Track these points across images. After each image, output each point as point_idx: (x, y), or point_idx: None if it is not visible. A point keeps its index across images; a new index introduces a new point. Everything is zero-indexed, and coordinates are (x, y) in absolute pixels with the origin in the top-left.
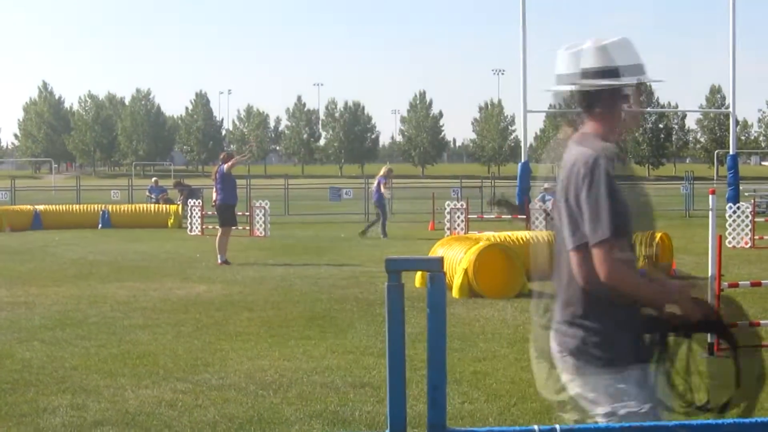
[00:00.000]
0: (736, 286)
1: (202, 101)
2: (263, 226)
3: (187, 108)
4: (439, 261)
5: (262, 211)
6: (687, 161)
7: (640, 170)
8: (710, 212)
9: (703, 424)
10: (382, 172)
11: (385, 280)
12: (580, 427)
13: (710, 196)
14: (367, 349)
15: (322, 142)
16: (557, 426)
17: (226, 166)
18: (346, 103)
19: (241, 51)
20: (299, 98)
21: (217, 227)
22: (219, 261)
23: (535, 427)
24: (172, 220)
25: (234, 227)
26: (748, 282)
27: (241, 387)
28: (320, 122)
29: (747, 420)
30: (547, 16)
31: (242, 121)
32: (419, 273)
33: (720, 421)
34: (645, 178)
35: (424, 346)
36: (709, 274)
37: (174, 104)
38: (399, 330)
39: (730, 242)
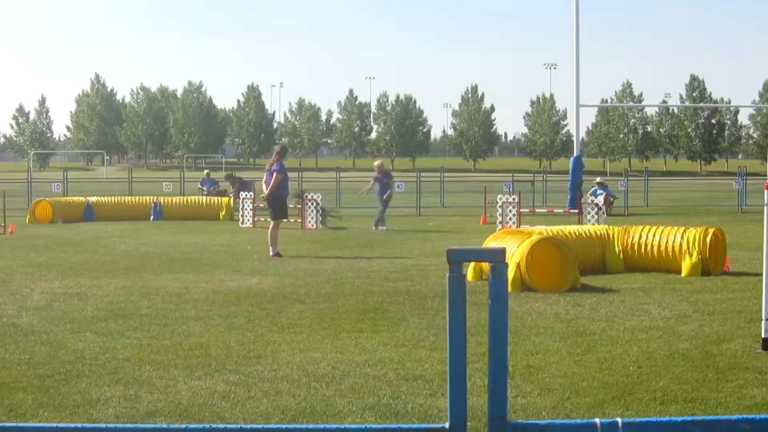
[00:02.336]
0: None
1: (253, 94)
2: (314, 219)
3: (238, 101)
4: (502, 252)
5: (314, 204)
6: (739, 157)
7: (692, 165)
8: (766, 207)
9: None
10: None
11: (437, 273)
12: (641, 420)
13: (766, 192)
14: (419, 342)
15: (373, 135)
16: (618, 420)
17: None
18: (397, 97)
19: (293, 44)
20: (351, 91)
21: (269, 219)
22: (271, 253)
23: (597, 420)
24: (223, 213)
25: (285, 219)
26: None
27: (294, 379)
28: (372, 115)
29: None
30: (601, 9)
31: (294, 114)
32: (471, 266)
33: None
34: (697, 173)
35: (476, 339)
36: (764, 270)
37: (226, 97)
38: (460, 321)
39: None
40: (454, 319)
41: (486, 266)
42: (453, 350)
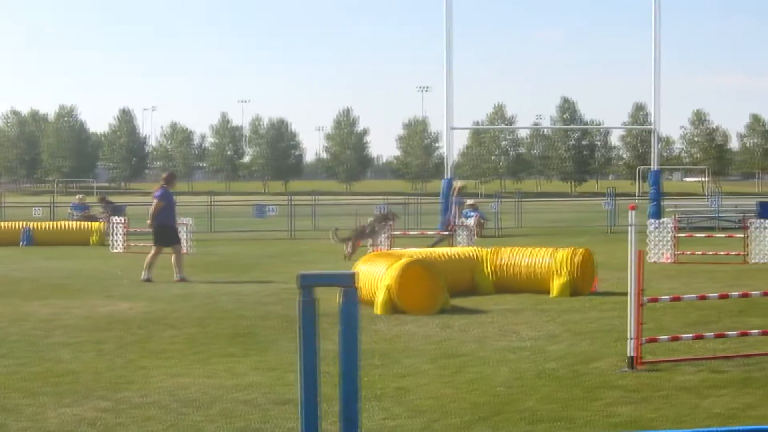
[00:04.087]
0: (656, 300)
1: (126, 118)
2: (186, 243)
3: (111, 125)
4: (351, 276)
5: (185, 227)
6: (610, 178)
7: (565, 186)
8: (630, 228)
9: None
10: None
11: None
12: None
13: (630, 212)
14: (290, 366)
15: (246, 158)
16: None
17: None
18: (270, 120)
19: (167, 67)
20: (224, 115)
21: (140, 244)
22: (142, 277)
23: None
24: (95, 238)
25: (174, 245)
26: (669, 297)
27: (163, 405)
28: (245, 139)
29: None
30: (474, 32)
31: (167, 138)
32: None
33: None
34: (568, 194)
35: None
36: (630, 290)
37: (99, 121)
38: (312, 346)
39: (652, 257)
40: (307, 343)
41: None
42: (306, 374)
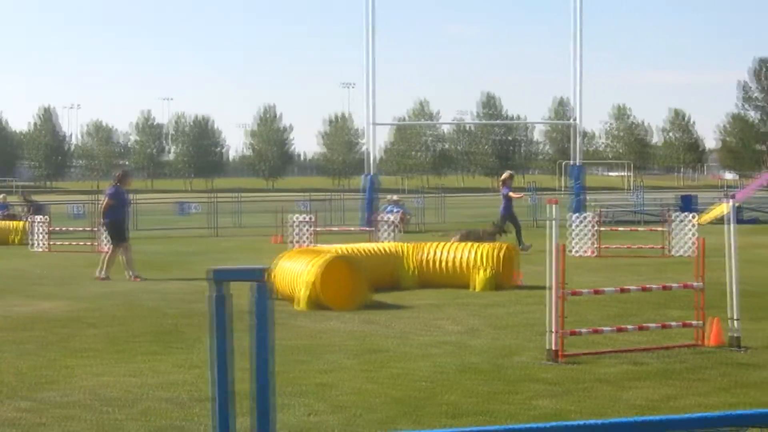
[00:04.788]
0: (577, 294)
1: (47, 116)
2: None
3: (34, 123)
4: (263, 271)
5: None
6: (533, 173)
7: (488, 181)
8: (550, 222)
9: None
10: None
11: (233, 293)
12: None
13: (551, 206)
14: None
15: (170, 156)
16: None
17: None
18: (194, 117)
19: (89, 65)
20: (147, 113)
21: (65, 243)
22: (96, 275)
23: None
24: (17, 237)
25: (124, 243)
26: (590, 290)
27: (86, 404)
28: (168, 137)
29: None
30: (396, 29)
31: (90, 136)
32: None
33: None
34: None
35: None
36: (551, 283)
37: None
38: (223, 342)
39: (575, 251)
40: (218, 339)
41: (280, 286)
42: (218, 371)
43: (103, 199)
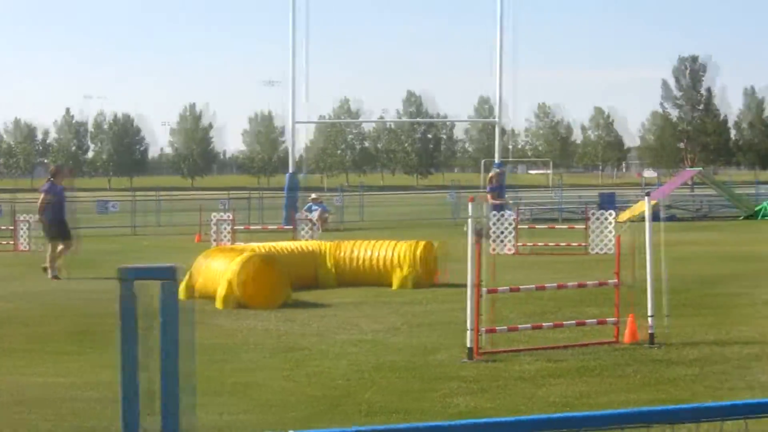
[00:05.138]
0: (495, 291)
1: None
2: (28, 240)
3: None
4: (172, 269)
5: (27, 225)
6: (456, 171)
7: (410, 180)
8: (469, 220)
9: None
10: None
11: (146, 292)
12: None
13: (469, 204)
14: None
15: (90, 154)
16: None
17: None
18: (115, 116)
19: (8, 62)
20: (68, 110)
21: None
22: (49, 275)
23: None
24: None
25: (65, 241)
26: (508, 288)
27: (0, 403)
28: (89, 134)
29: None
30: (320, 26)
31: (9, 134)
32: (182, 285)
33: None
34: (413, 188)
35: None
36: (468, 282)
37: None
38: (132, 342)
39: (494, 249)
40: (127, 339)
41: (199, 284)
42: (125, 371)
43: (40, 196)
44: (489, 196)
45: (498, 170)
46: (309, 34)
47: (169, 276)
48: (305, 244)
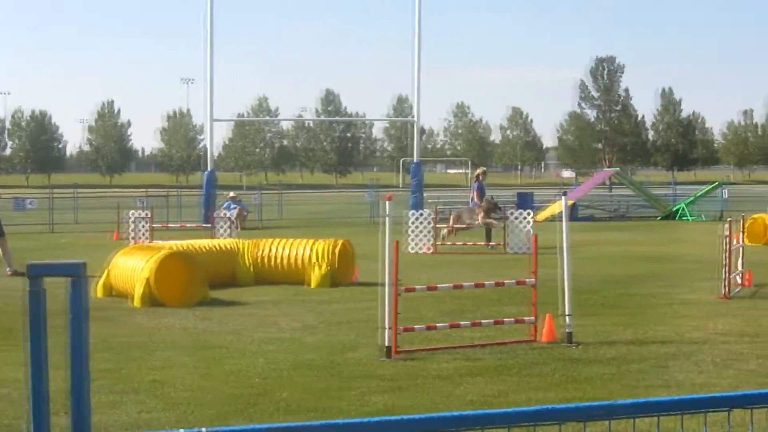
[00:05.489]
0: (412, 290)
1: None
2: None
3: None
4: (80, 266)
5: None
6: (374, 170)
7: (328, 178)
8: (386, 219)
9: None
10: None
11: (65, 291)
12: (226, 429)
13: (386, 203)
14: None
15: (8, 152)
16: (203, 429)
17: None
18: (32, 112)
19: None
20: None
21: None
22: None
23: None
24: None
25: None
26: (425, 286)
27: None
28: (6, 132)
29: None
30: (236, 24)
31: None
32: (100, 283)
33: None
34: (331, 186)
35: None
36: (386, 280)
37: None
38: (40, 338)
39: (412, 248)
40: (35, 336)
41: (116, 282)
42: (34, 368)
43: None
44: (475, 194)
45: (483, 168)
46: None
47: (77, 272)
48: (223, 242)
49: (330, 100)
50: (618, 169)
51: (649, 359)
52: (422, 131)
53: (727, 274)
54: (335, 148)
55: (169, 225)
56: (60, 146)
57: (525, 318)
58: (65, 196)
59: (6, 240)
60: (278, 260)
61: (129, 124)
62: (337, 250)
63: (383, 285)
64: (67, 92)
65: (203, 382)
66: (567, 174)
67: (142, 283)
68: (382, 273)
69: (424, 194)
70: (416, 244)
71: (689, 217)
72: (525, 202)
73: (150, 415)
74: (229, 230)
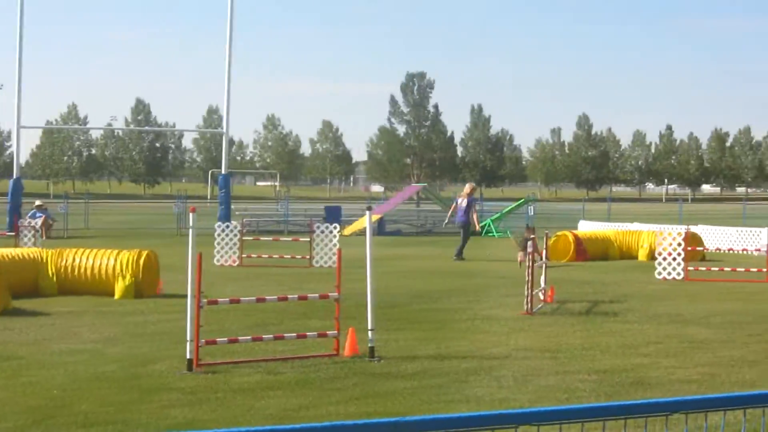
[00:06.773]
0: (215, 303)
1: None
2: None
3: None
4: None
5: None
6: (183, 181)
7: (137, 188)
8: (190, 230)
9: None
10: (469, 191)
11: None
12: None
13: (191, 215)
14: None
15: None
16: None
17: None
18: None
19: None
20: None
21: None
22: None
23: None
24: None
25: None
26: (228, 299)
27: None
28: None
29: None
30: (45, 30)
31: None
32: None
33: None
34: (139, 197)
35: None
36: (189, 292)
37: None
38: None
39: (218, 260)
40: None
41: None
42: None
43: None
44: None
45: (473, 185)
46: (37, 37)
47: None
48: (26, 251)
49: (140, 110)
50: (425, 184)
51: (450, 374)
52: (232, 143)
53: (530, 291)
54: (144, 158)
55: None
56: None
57: (328, 332)
58: None
59: None
60: (82, 270)
61: None
62: (141, 261)
63: (186, 297)
64: None
65: (1, 393)
66: (376, 188)
67: None
68: (187, 285)
69: (232, 206)
70: (221, 257)
71: (495, 234)
72: (333, 215)
73: None
74: (33, 239)
